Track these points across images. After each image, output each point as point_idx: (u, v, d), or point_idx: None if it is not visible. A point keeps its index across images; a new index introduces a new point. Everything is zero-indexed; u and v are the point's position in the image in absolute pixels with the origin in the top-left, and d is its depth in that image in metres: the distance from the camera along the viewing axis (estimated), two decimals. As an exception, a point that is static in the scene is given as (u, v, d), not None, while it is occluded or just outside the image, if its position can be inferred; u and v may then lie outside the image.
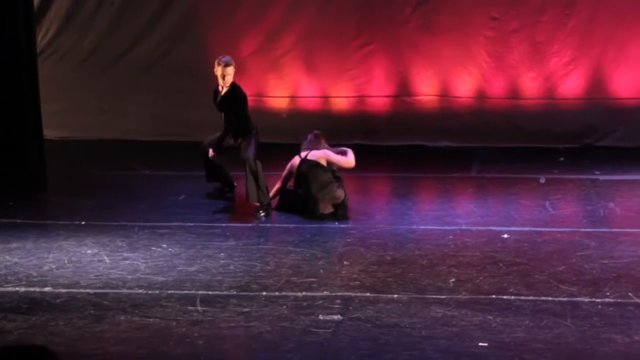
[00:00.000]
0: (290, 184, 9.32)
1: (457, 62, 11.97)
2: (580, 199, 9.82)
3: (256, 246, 8.25)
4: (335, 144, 11.81)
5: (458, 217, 9.08)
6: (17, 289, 7.32)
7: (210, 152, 9.50)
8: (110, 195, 9.93)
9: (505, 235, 8.44)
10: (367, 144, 12.00)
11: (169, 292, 7.21)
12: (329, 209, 9.00)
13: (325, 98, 12.20)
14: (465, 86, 12.02)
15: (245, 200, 9.13)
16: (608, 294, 7.09)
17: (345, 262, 7.83)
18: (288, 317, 6.73)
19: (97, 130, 12.24)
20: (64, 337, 6.46)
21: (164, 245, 8.26)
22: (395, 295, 7.09)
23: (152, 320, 6.70)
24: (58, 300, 7.08)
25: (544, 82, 11.93)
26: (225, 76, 9.37)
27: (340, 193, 9.05)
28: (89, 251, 8.14)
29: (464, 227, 8.70)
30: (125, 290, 7.26)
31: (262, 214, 9.02)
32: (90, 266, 7.78)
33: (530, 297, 7.03)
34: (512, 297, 7.04)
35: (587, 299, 6.99)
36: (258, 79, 12.06)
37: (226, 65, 9.37)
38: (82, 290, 7.26)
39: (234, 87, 9.43)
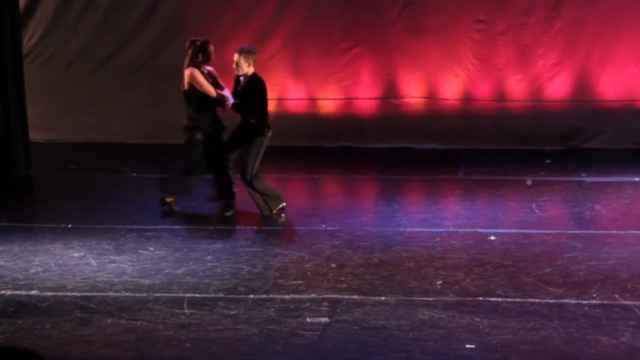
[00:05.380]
0: None
1: (443, 65, 11.99)
2: (566, 200, 9.85)
3: (243, 249, 8.24)
4: (323, 147, 11.82)
5: (445, 219, 9.09)
6: (3, 292, 7.29)
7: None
8: (97, 198, 9.90)
9: (492, 237, 8.46)
10: (355, 146, 12.02)
11: (156, 295, 7.20)
12: None
13: (313, 100, 12.21)
14: (452, 88, 12.04)
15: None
16: (594, 295, 7.11)
17: (332, 265, 7.83)
18: (275, 320, 6.72)
19: (84, 132, 12.21)
20: (51, 340, 6.44)
21: (151, 248, 8.25)
22: (383, 298, 7.10)
23: (139, 323, 6.69)
24: (44, 304, 7.06)
25: (530, 84, 11.96)
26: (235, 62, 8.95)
27: None
28: (75, 254, 8.11)
29: (451, 229, 8.71)
30: (112, 293, 7.24)
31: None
32: (77, 269, 7.76)
33: (517, 299, 7.05)
34: (499, 299, 7.05)
35: (573, 301, 7.01)
36: (245, 82, 12.03)
37: (236, 52, 9.00)
38: (68, 294, 7.24)
39: (253, 76, 9.03)
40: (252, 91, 9.02)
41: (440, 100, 12.06)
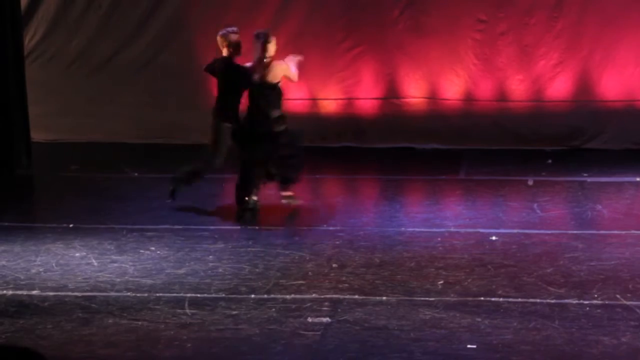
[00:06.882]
0: None
1: (445, 65, 11.99)
2: (568, 201, 9.85)
3: (245, 249, 8.25)
4: (324, 147, 11.81)
5: (446, 220, 9.09)
6: (5, 292, 7.30)
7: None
8: (99, 197, 9.91)
9: (494, 238, 8.46)
10: (356, 146, 12.02)
11: (158, 295, 7.20)
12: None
13: (314, 100, 12.20)
14: (453, 88, 12.04)
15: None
16: (596, 295, 7.11)
17: (333, 265, 7.84)
18: (277, 320, 6.73)
19: (85, 132, 12.21)
20: (52, 340, 6.45)
21: (153, 248, 8.25)
22: (384, 298, 7.10)
23: (140, 323, 6.69)
24: (46, 304, 7.06)
25: (531, 84, 11.96)
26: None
27: None
28: (77, 254, 8.12)
29: (452, 230, 8.71)
30: (113, 293, 7.25)
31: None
32: (78, 269, 7.76)
33: (519, 299, 7.05)
34: (501, 299, 7.05)
35: (575, 301, 7.02)
36: (246, 82, 12.02)
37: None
38: (70, 294, 7.24)
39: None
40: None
41: (442, 100, 12.06)
